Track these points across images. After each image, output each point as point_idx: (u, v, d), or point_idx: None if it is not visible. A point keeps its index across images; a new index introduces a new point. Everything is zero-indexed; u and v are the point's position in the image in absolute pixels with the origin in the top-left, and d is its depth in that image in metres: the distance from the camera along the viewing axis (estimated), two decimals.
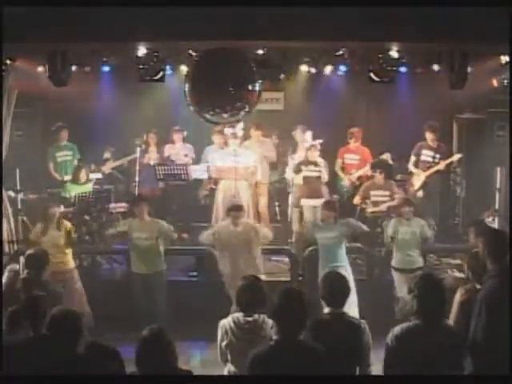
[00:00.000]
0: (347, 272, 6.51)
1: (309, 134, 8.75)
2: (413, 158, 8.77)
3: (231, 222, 6.62)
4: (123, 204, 8.48)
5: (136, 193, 8.69)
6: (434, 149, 8.61)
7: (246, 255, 6.55)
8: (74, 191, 8.18)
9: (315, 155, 8.41)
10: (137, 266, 6.84)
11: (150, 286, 6.75)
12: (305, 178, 8.42)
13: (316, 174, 8.40)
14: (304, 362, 3.31)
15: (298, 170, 8.45)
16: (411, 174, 8.81)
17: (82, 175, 8.40)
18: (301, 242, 7.55)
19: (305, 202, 8.44)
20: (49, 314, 3.48)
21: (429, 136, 8.59)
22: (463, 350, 3.63)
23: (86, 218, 8.05)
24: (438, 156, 8.60)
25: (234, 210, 6.69)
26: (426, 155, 8.66)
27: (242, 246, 6.56)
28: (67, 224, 6.94)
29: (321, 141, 8.60)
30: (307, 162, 8.43)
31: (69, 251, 6.83)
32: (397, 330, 3.59)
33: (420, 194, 8.66)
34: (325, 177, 8.43)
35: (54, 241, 6.67)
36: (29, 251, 5.66)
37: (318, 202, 7.88)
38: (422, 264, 7.01)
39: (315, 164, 8.40)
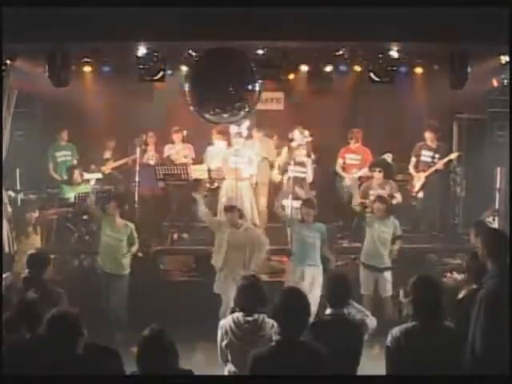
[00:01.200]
0: (319, 273, 6.58)
1: (297, 133, 8.60)
2: (413, 160, 8.76)
3: (228, 222, 6.63)
4: None
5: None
6: (433, 149, 8.61)
7: (241, 256, 6.57)
8: (68, 193, 8.20)
9: (302, 154, 8.31)
10: (102, 263, 6.90)
11: (110, 286, 6.78)
12: (290, 178, 8.17)
13: (302, 175, 8.27)
14: (305, 362, 3.31)
15: (284, 170, 8.33)
16: (411, 174, 8.81)
17: (76, 176, 8.43)
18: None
19: (286, 203, 8.13)
20: (46, 315, 3.46)
21: (428, 136, 8.59)
22: (462, 351, 3.63)
23: (85, 218, 8.05)
24: (437, 156, 8.60)
25: (227, 210, 6.72)
26: (426, 155, 8.66)
27: (241, 247, 6.58)
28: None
29: (309, 139, 8.53)
30: (294, 163, 8.25)
31: None
32: (395, 331, 3.59)
33: (420, 194, 8.67)
34: (309, 178, 8.35)
35: (33, 242, 6.88)
36: (30, 251, 5.66)
37: (299, 203, 7.80)
38: (390, 265, 6.94)
39: (301, 164, 8.28)
